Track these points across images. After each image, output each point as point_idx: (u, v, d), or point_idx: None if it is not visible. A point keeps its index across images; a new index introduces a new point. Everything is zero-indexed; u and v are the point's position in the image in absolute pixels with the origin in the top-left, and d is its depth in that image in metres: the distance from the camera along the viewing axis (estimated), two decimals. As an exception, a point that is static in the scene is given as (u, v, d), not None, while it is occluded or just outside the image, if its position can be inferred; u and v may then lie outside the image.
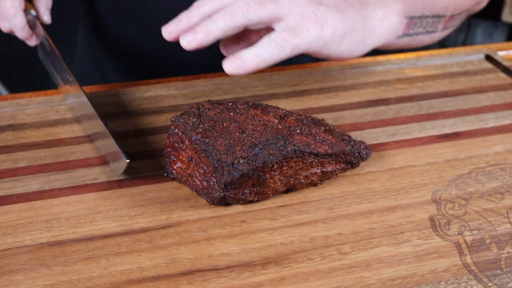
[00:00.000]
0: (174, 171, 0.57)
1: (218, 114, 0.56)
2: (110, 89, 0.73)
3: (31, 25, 0.73)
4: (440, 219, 0.54)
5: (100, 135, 0.60)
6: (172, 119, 0.56)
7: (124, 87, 0.74)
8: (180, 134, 0.55)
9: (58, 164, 0.60)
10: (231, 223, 0.53)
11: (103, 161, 0.61)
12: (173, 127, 0.56)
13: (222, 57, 0.84)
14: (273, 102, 0.71)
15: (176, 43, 0.88)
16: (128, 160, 0.54)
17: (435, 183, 0.59)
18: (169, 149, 0.57)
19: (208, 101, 0.58)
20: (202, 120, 0.55)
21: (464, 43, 2.21)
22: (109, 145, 0.58)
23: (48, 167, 0.60)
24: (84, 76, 0.99)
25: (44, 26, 0.74)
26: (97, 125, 0.60)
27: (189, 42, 0.51)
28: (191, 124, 0.55)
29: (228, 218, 0.54)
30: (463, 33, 2.19)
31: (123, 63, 0.94)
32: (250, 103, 0.59)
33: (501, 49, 0.85)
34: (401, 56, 0.83)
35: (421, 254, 0.51)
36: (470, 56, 0.83)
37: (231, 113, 0.56)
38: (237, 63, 0.50)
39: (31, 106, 0.70)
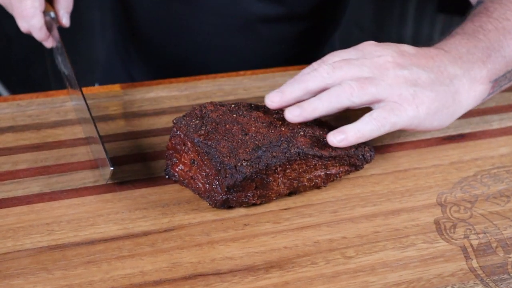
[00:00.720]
0: (176, 174, 0.56)
1: (220, 116, 0.55)
2: (112, 90, 0.73)
3: (49, 27, 0.73)
4: (445, 222, 0.54)
5: (92, 140, 0.60)
6: (174, 121, 0.55)
7: (125, 88, 0.73)
8: (182, 136, 0.54)
9: (59, 166, 0.60)
10: (234, 227, 0.53)
11: (98, 164, 0.60)
12: (175, 129, 0.55)
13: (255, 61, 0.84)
14: (275, 104, 0.70)
15: (207, 48, 0.88)
16: (112, 168, 0.54)
17: (440, 185, 0.58)
18: (171, 151, 0.56)
19: (211, 102, 0.57)
20: (204, 122, 0.55)
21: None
22: (98, 150, 0.57)
23: (49, 169, 0.59)
24: (111, 75, 0.98)
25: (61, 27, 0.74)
26: (91, 129, 0.60)
27: (295, 116, 0.54)
28: (193, 126, 0.54)
29: (231, 221, 0.53)
30: (464, 33, 2.18)
31: (154, 64, 0.94)
32: (253, 105, 0.58)
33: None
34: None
35: (427, 258, 0.50)
36: (474, 57, 0.82)
37: (234, 115, 0.56)
38: (341, 136, 0.54)
39: (32, 107, 0.69)
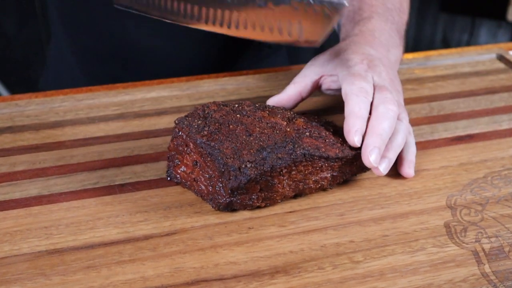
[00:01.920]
0: (178, 175, 0.55)
1: (224, 116, 0.54)
2: (111, 90, 0.71)
3: None
4: (455, 225, 0.52)
5: None
6: (176, 121, 0.54)
7: (126, 88, 0.72)
8: (184, 137, 0.53)
9: (58, 168, 0.58)
10: (238, 230, 0.51)
11: (104, 164, 0.58)
12: (177, 130, 0.54)
13: (229, 57, 0.81)
14: (279, 104, 0.68)
15: (172, 43, 0.83)
16: None
17: (449, 187, 0.57)
18: (172, 153, 0.55)
19: (214, 102, 0.56)
20: (207, 122, 0.53)
21: (468, 43, 2.19)
22: None
23: (47, 171, 0.58)
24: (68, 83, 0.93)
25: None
26: None
27: (385, 169, 0.55)
28: (195, 126, 0.53)
29: (235, 224, 0.52)
30: (467, 33, 2.17)
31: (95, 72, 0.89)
32: (257, 105, 0.56)
33: (512, 49, 0.83)
34: (410, 56, 0.81)
35: (437, 262, 0.48)
36: (481, 56, 0.81)
37: (238, 115, 0.54)
38: (413, 167, 0.58)
39: (30, 107, 0.68)
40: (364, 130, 0.55)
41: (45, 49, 0.95)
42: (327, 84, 0.62)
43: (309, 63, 0.63)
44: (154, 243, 0.50)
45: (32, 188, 0.55)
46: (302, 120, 0.55)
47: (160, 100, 0.69)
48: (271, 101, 0.61)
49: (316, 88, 0.62)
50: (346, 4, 0.49)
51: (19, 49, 1.69)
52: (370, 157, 0.53)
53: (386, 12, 0.67)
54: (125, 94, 0.70)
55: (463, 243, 0.50)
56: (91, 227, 0.51)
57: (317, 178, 0.54)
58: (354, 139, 0.54)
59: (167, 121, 0.66)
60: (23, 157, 0.59)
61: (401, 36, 0.68)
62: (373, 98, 0.56)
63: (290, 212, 0.53)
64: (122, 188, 0.56)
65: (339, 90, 0.60)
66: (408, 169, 0.58)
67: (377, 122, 0.55)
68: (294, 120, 0.55)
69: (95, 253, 0.49)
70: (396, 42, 0.66)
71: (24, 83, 1.82)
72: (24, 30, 1.68)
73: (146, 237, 0.50)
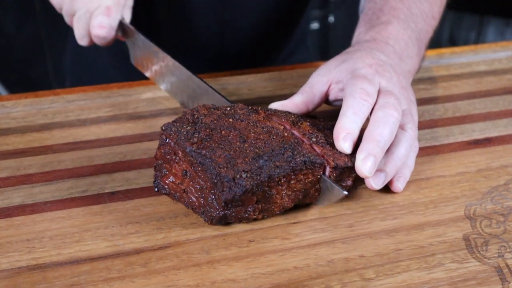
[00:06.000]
0: (166, 186, 0.50)
1: (215, 121, 0.49)
2: (105, 90, 0.67)
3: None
4: (476, 238, 0.48)
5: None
6: (163, 128, 0.49)
7: (120, 88, 0.68)
8: (172, 144, 0.48)
9: (44, 174, 0.54)
10: (237, 243, 0.47)
11: (94, 170, 0.54)
12: (164, 137, 0.49)
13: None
14: (283, 104, 0.64)
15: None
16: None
17: (467, 196, 0.52)
18: (160, 161, 0.50)
19: (204, 106, 0.51)
20: (197, 128, 0.48)
21: (476, 42, 2.15)
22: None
23: (32, 177, 0.54)
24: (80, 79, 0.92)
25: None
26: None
27: (379, 185, 0.51)
28: (184, 133, 0.48)
29: (234, 237, 0.48)
30: (474, 31, 2.13)
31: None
32: (250, 107, 0.52)
33: (530, 46, 0.78)
34: (421, 53, 0.76)
35: (457, 280, 0.44)
36: (497, 53, 0.77)
37: (230, 120, 0.49)
38: (403, 182, 0.53)
39: (17, 109, 0.64)
40: (356, 136, 0.49)
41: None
42: (334, 94, 0.56)
43: (316, 72, 0.57)
44: (146, 258, 0.46)
45: (15, 197, 0.51)
46: (308, 124, 0.51)
47: (156, 101, 0.65)
48: (274, 106, 0.56)
49: (324, 100, 0.57)
50: (345, 194, 0.48)
51: (19, 49, 1.66)
52: (363, 166, 0.48)
53: (408, 18, 0.63)
54: (119, 94, 0.66)
55: (485, 258, 0.46)
56: (78, 240, 0.47)
57: (319, 186, 0.49)
58: (343, 145, 0.49)
59: (162, 124, 0.61)
60: (7, 163, 0.56)
61: (421, 45, 0.63)
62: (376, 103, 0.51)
63: (295, 223, 0.49)
64: (113, 196, 0.52)
65: None
66: (396, 182, 0.52)
67: (373, 127, 0.49)
68: (299, 124, 0.51)
69: (81, 269, 0.45)
70: (413, 52, 0.61)
71: (24, 83, 1.79)
72: (24, 30, 1.65)
73: (137, 251, 0.46)
